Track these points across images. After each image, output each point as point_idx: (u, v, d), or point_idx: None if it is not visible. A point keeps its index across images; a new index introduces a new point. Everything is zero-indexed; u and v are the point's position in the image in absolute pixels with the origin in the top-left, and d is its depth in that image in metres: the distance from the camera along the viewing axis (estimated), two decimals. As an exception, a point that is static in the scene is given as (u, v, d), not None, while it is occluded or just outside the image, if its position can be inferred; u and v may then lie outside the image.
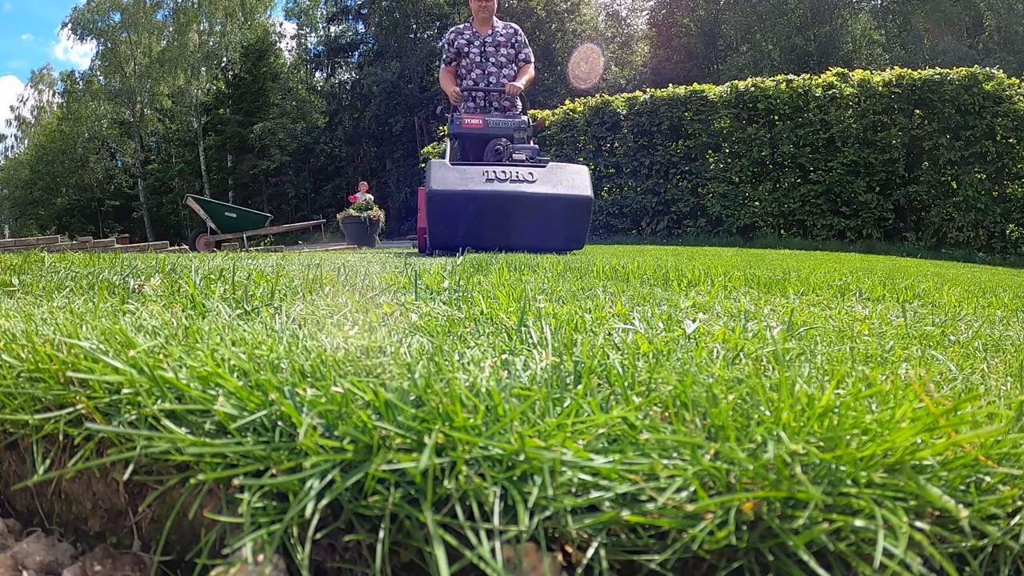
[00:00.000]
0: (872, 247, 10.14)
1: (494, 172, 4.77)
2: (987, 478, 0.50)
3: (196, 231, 10.52)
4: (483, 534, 0.44)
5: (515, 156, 4.95)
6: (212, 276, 1.60)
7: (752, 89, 11.30)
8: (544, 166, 4.91)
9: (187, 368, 0.61)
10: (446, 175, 4.68)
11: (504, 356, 0.72)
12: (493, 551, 0.43)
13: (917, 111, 10.74)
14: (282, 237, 14.04)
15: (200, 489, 0.53)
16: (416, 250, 6.13)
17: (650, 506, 0.45)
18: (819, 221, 10.99)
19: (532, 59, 5.49)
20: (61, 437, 0.62)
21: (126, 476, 0.57)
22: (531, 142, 5.18)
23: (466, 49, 5.36)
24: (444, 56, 5.48)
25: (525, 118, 5.30)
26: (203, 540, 0.54)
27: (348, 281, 1.54)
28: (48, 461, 0.62)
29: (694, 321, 1.08)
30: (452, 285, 1.51)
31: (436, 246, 4.92)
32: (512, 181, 4.74)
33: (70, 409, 0.61)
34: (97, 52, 32.01)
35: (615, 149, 11.89)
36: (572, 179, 4.91)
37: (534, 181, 4.78)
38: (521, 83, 5.33)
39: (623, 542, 0.45)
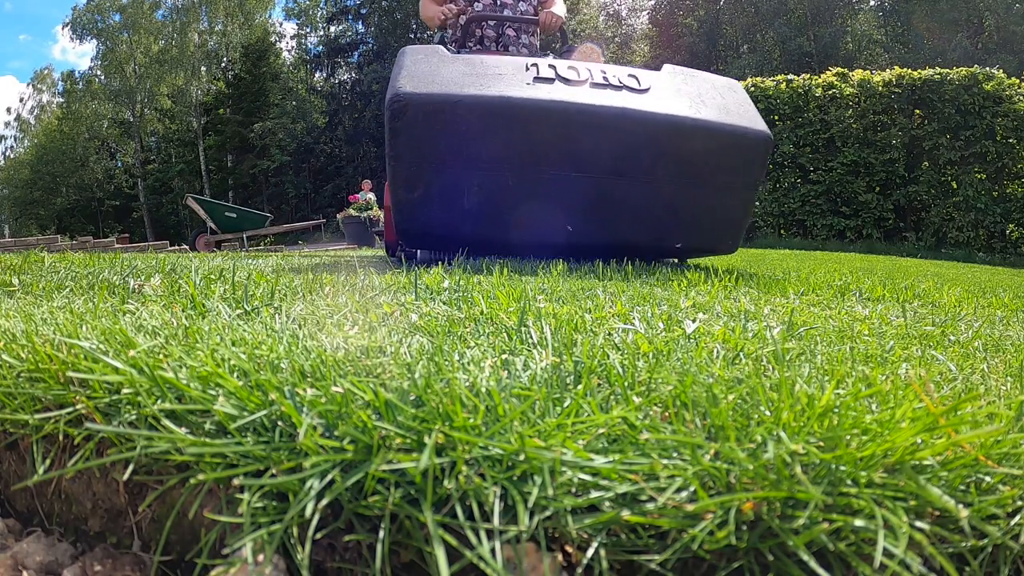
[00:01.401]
0: (872, 247, 10.15)
1: (552, 67, 2.36)
2: (987, 478, 0.50)
3: (196, 231, 10.53)
4: (483, 534, 0.44)
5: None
6: (212, 276, 1.60)
7: (752, 89, 11.31)
8: (658, 69, 2.59)
9: (187, 368, 0.61)
10: (438, 70, 2.25)
11: (504, 356, 0.72)
12: (493, 551, 0.43)
13: (917, 111, 10.75)
14: (282, 237, 14.04)
15: (200, 489, 0.53)
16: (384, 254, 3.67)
17: (650, 506, 0.45)
18: (819, 221, 10.99)
19: None
20: (61, 437, 0.62)
21: (126, 476, 0.57)
22: None
23: None
24: None
25: None
26: (203, 540, 0.54)
27: (348, 281, 1.53)
28: (48, 461, 0.62)
29: (694, 321, 1.08)
30: (452, 285, 1.51)
31: (412, 242, 2.53)
32: (595, 85, 2.33)
33: (70, 409, 0.61)
34: (97, 52, 32.04)
35: (615, 149, 11.87)
36: (724, 98, 2.51)
37: (645, 91, 2.36)
38: (561, 11, 3.28)
39: (623, 542, 0.45)
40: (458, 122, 2.19)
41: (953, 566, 0.44)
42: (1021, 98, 10.25)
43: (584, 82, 2.34)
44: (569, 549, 0.45)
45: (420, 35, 31.93)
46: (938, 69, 10.77)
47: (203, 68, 32.45)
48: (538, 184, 2.27)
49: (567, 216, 2.34)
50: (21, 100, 42.77)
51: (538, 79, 2.32)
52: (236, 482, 0.49)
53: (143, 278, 1.54)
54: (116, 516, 0.61)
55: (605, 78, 2.38)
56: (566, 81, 2.33)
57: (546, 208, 2.29)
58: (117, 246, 9.53)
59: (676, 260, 2.98)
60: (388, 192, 2.62)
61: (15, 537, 0.64)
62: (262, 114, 31.35)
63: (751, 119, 2.50)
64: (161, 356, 0.64)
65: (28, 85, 37.52)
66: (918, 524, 0.45)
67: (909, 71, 10.87)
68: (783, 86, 11.20)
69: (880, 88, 10.80)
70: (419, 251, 2.65)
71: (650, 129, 2.30)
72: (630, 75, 2.46)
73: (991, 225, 10.37)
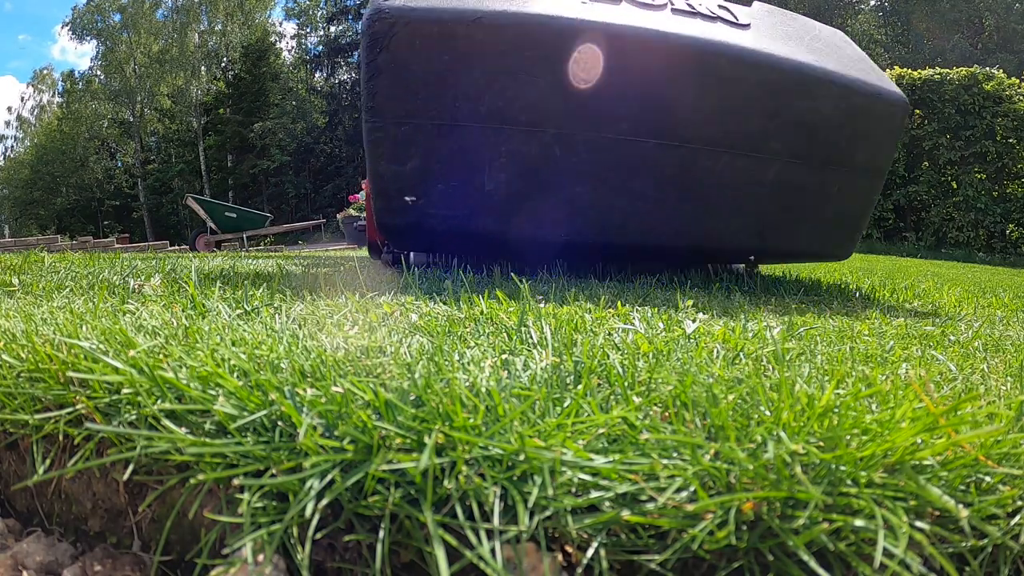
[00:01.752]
0: (872, 247, 10.14)
1: None
2: (987, 478, 0.50)
3: (196, 231, 10.53)
4: (483, 534, 0.44)
5: None
6: (212, 276, 1.60)
7: (752, 89, 11.29)
8: (748, 4, 1.95)
9: (187, 368, 0.60)
10: None
11: (504, 356, 0.72)
12: (493, 551, 0.43)
13: (917, 111, 10.75)
14: (282, 237, 14.04)
15: (200, 489, 0.53)
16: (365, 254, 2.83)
17: (650, 506, 0.45)
18: (819, 221, 10.98)
19: None
20: (61, 437, 0.62)
21: (126, 476, 0.57)
22: None
23: None
24: None
25: None
26: (203, 540, 0.54)
27: (348, 281, 1.53)
28: (48, 461, 0.62)
29: (694, 321, 1.08)
30: (452, 285, 1.50)
31: (401, 241, 1.82)
32: (678, 12, 1.70)
33: (70, 409, 0.61)
34: (97, 52, 32.05)
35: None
36: (841, 49, 1.88)
37: (746, 26, 1.75)
38: None
39: (623, 542, 0.45)
40: (475, 54, 1.45)
41: (953, 566, 0.44)
42: (1021, 98, 10.25)
43: (663, 7, 1.67)
44: (569, 549, 0.45)
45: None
46: (938, 69, 10.77)
47: (203, 68, 32.45)
48: (596, 153, 1.54)
49: (634, 203, 1.60)
50: (21, 100, 42.86)
51: None
52: (236, 482, 0.49)
53: (143, 278, 1.54)
54: (116, 516, 0.61)
55: (690, 4, 1.70)
56: (637, 4, 1.64)
57: (607, 192, 1.56)
58: (117, 246, 9.53)
59: (742, 266, 2.29)
60: (368, 172, 1.75)
61: (15, 537, 0.64)
62: (262, 114, 31.36)
63: (881, 78, 1.81)
64: (161, 356, 0.64)
65: (28, 85, 37.54)
66: (918, 524, 0.45)
67: (909, 71, 10.87)
68: (783, 86, 11.20)
69: (880, 88, 10.81)
70: (412, 253, 1.93)
71: (764, 77, 1.59)
72: (720, 6, 1.80)
73: (991, 225, 10.37)
